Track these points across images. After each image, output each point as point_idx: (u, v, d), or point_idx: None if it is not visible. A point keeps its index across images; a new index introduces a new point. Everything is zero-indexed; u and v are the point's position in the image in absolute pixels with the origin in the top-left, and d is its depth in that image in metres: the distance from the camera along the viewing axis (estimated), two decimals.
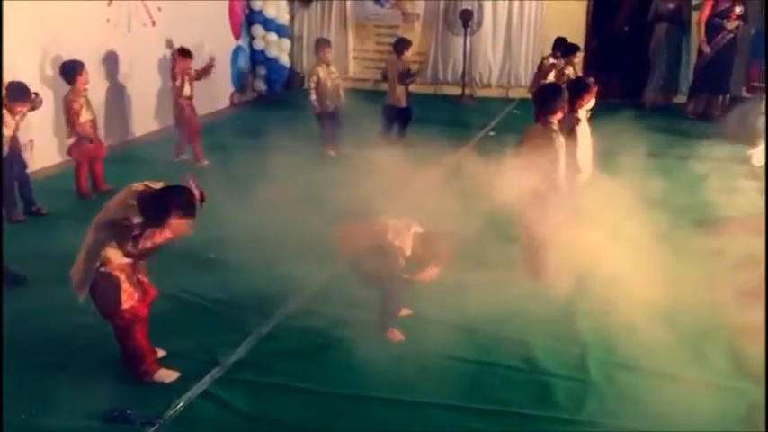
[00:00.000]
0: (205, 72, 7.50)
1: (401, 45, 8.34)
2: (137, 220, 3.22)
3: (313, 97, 7.77)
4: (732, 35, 9.78)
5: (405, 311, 4.19)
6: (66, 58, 6.72)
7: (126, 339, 3.49)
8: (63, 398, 3.41)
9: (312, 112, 7.91)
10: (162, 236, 3.26)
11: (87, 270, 3.31)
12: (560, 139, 4.53)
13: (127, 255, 3.30)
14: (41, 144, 6.77)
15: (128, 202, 3.26)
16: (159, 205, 3.21)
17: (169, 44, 7.33)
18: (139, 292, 3.44)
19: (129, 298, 3.38)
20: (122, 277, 3.35)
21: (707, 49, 9.81)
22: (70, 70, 6.21)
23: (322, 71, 7.81)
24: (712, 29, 9.79)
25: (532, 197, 4.60)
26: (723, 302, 4.33)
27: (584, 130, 4.95)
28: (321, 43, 8.13)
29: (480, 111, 10.39)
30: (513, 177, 4.92)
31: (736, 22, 9.73)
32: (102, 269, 3.31)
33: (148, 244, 3.27)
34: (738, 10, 9.64)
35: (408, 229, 3.99)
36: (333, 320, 4.17)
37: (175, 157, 7.48)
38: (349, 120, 8.01)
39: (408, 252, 3.95)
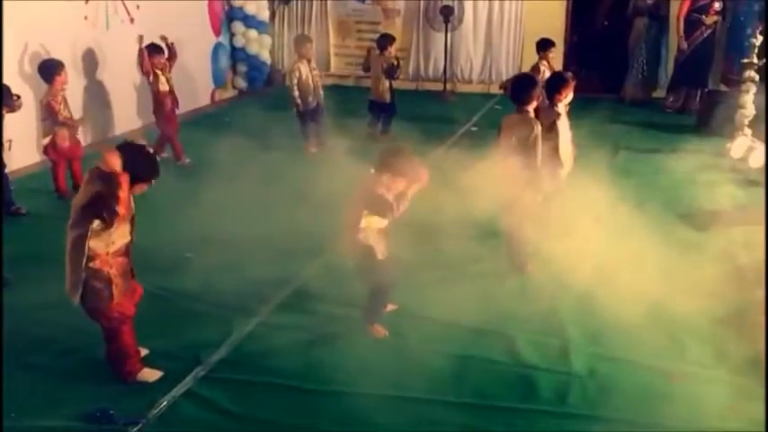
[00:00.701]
0: (172, 56, 7.34)
1: (384, 40, 8.34)
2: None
3: (296, 93, 7.71)
4: (710, 30, 9.87)
5: (390, 307, 4.19)
6: (45, 55, 6.66)
7: (113, 340, 3.46)
8: (45, 398, 3.38)
9: (294, 108, 7.87)
10: (125, 191, 3.16)
11: (77, 271, 3.27)
12: (538, 127, 4.58)
13: (110, 219, 3.17)
14: (20, 143, 6.68)
15: (90, 183, 3.20)
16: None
17: (140, 40, 7.20)
18: (129, 285, 3.42)
19: (120, 293, 3.35)
20: (113, 272, 3.32)
21: (684, 45, 9.90)
22: (49, 69, 6.14)
23: (303, 68, 7.75)
24: (691, 24, 9.87)
25: (513, 187, 4.64)
26: (703, 294, 4.37)
27: (564, 124, 4.99)
28: (302, 39, 8.06)
29: (462, 106, 10.42)
30: (494, 169, 4.95)
31: (715, 18, 9.82)
32: (92, 265, 3.27)
33: (122, 205, 3.15)
34: (717, 5, 9.73)
35: (377, 187, 3.75)
36: (316, 317, 4.16)
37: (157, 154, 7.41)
38: (331, 116, 8.01)
39: (392, 199, 3.72)
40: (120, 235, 3.34)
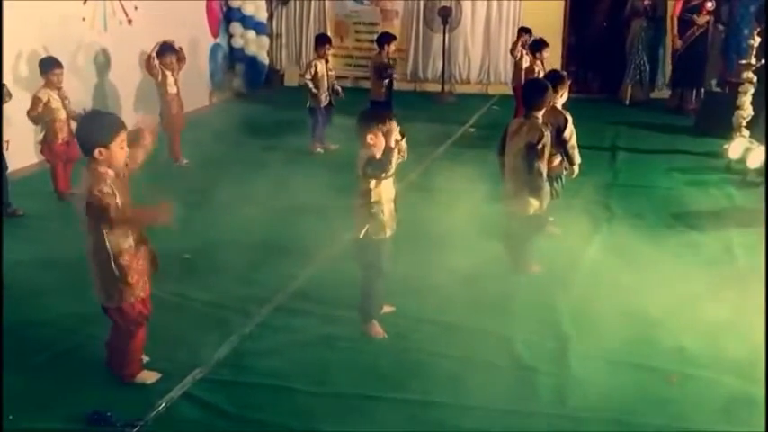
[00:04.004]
0: (180, 58, 7.37)
1: (381, 39, 8.41)
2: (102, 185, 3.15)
3: (311, 85, 7.83)
4: (702, 30, 9.96)
5: (388, 308, 4.19)
6: (42, 56, 6.63)
7: (124, 340, 3.44)
8: (43, 400, 3.37)
9: (307, 103, 7.94)
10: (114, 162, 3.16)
11: (104, 273, 3.24)
12: (548, 134, 4.57)
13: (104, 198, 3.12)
14: (17, 144, 6.66)
15: (86, 177, 3.20)
16: (89, 134, 3.19)
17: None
18: (155, 271, 3.43)
19: (139, 278, 3.32)
20: (142, 264, 3.33)
21: (677, 44, 10.03)
22: (41, 65, 6.13)
23: (320, 65, 7.91)
24: (684, 24, 9.98)
25: (516, 190, 4.65)
26: (701, 295, 4.38)
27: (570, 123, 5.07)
28: (322, 39, 8.21)
29: (460, 107, 10.43)
30: (497, 171, 4.95)
31: (707, 17, 9.91)
32: (121, 261, 3.22)
33: (105, 175, 3.14)
34: (710, 5, 9.84)
35: (365, 151, 3.80)
36: (315, 319, 4.16)
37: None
38: (333, 116, 8.02)
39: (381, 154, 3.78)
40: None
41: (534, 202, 4.63)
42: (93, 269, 3.30)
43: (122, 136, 3.24)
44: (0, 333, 3.69)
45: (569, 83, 5.29)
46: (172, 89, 7.24)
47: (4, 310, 3.97)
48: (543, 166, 4.59)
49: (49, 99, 6.03)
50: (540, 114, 4.63)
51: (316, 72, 7.84)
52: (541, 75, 7.23)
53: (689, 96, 10.20)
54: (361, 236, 3.86)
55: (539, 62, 8.08)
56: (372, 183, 3.79)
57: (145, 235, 3.39)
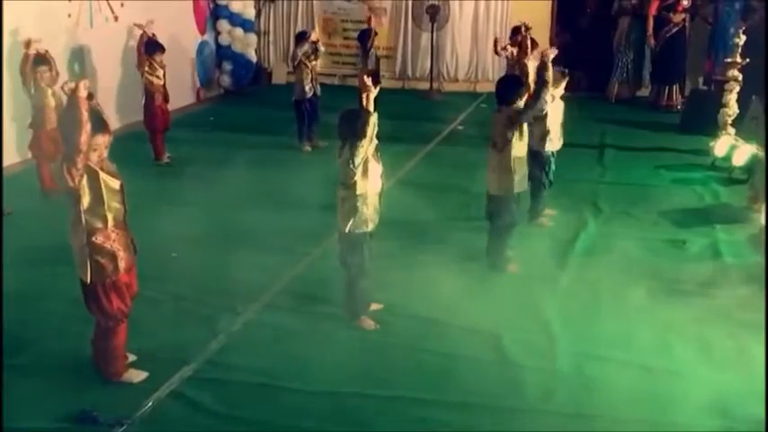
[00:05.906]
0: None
1: (360, 36, 8.43)
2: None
3: (297, 66, 7.82)
4: (678, 27, 10.04)
5: (376, 306, 4.20)
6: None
7: (106, 338, 3.44)
8: (29, 400, 3.35)
9: (294, 96, 7.91)
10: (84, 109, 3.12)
11: (81, 249, 3.28)
12: (510, 130, 4.61)
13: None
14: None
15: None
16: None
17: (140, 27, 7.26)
18: (133, 259, 3.43)
19: (126, 266, 3.37)
20: (116, 246, 3.33)
21: (651, 42, 10.13)
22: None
23: (304, 58, 7.88)
24: (659, 21, 10.07)
25: (489, 170, 4.69)
26: (687, 292, 4.41)
27: (555, 107, 5.37)
28: (303, 36, 8.14)
29: (448, 105, 10.43)
30: (484, 168, 4.97)
31: (683, 15, 10.00)
32: (94, 240, 3.26)
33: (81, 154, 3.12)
34: (685, 3, 9.93)
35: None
36: (302, 317, 4.16)
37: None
38: (322, 114, 8.00)
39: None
40: (113, 206, 3.31)
41: (498, 182, 4.64)
42: (73, 245, 3.33)
43: (97, 139, 3.23)
44: (0, 334, 3.66)
45: (566, 79, 5.44)
46: (158, 82, 7.18)
47: None
48: (505, 157, 4.61)
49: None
50: (512, 107, 4.68)
51: (300, 64, 7.81)
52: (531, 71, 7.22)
53: (663, 93, 10.31)
54: (347, 230, 3.89)
55: (533, 62, 8.04)
56: (359, 175, 3.82)
57: (124, 221, 3.39)
